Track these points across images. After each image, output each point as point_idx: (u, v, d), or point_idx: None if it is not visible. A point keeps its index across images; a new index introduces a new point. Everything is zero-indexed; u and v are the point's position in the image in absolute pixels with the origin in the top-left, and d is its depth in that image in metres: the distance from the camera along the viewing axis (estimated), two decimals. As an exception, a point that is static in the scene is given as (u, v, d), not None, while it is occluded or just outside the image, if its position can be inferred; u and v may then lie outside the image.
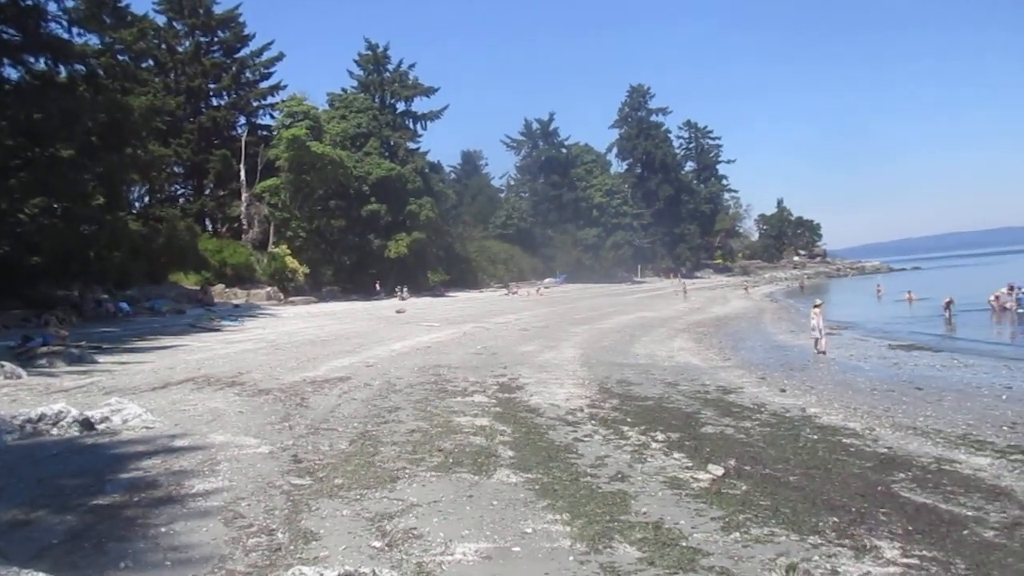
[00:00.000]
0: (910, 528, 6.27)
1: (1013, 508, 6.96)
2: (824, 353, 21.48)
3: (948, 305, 34.81)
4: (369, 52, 68.56)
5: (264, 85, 62.83)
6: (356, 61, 69.25)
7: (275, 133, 56.43)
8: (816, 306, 23.25)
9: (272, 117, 61.37)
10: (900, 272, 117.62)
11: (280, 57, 62.81)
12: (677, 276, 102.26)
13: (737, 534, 6.02)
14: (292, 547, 5.64)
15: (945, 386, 15.60)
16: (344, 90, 68.80)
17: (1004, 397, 14.15)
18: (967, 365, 19.17)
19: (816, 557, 5.57)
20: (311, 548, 5.64)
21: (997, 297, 36.89)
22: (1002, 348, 24.39)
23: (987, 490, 7.60)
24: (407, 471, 7.87)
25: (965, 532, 6.21)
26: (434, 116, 72.15)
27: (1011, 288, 36.62)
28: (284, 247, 50.77)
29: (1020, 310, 34.22)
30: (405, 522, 6.24)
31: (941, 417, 12.01)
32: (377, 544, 5.74)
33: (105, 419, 10.00)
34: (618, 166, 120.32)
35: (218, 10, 59.61)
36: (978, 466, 8.65)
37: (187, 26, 59.06)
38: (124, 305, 34.03)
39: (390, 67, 69.66)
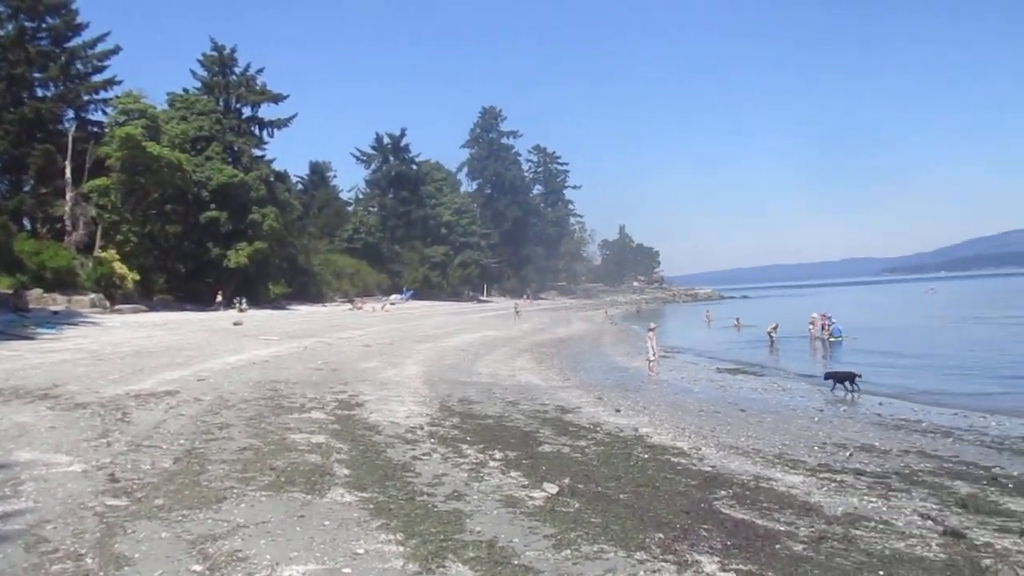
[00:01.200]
0: (729, 543, 6.59)
1: (820, 523, 7.48)
2: (655, 373, 22.46)
3: (773, 331, 37.51)
4: (215, 53, 65.71)
5: (97, 79, 58.66)
6: (200, 61, 66.15)
7: (107, 130, 52.91)
8: (651, 329, 24.37)
9: (105, 113, 57.38)
10: (730, 300, 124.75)
11: (116, 50, 58.84)
12: (528, 297, 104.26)
13: (568, 551, 6.13)
14: (102, 573, 5.26)
15: (765, 408, 16.66)
16: (186, 91, 65.59)
17: (816, 419, 15.26)
18: (785, 389, 20.55)
19: (641, 573, 5.75)
20: (122, 573, 5.28)
21: (813, 322, 39.92)
22: (817, 374, 26.29)
23: (799, 506, 8.13)
24: (235, 490, 7.53)
25: (778, 546, 6.59)
26: (282, 124, 69.99)
27: (824, 318, 39.66)
28: (112, 252, 47.54)
29: (831, 339, 37.14)
30: (230, 544, 5.95)
31: (761, 437, 12.80)
32: (197, 568, 5.44)
33: None
34: (468, 185, 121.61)
35: (48, -6, 55.37)
36: (792, 483, 9.24)
37: (10, 8, 54.47)
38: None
39: (237, 70, 67.11)
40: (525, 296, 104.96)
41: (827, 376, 21.00)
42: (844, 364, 27.50)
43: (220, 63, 66.01)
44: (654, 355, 23.30)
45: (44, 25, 56.36)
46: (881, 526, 7.45)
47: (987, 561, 6.22)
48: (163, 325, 34.69)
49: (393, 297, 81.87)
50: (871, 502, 8.45)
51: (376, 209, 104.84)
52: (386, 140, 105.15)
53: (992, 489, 9.37)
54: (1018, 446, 12.59)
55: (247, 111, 68.42)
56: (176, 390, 14.38)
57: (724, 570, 5.90)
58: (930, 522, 7.67)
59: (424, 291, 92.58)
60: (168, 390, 14.32)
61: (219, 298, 55.68)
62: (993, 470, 10.56)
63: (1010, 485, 9.59)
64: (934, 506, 8.41)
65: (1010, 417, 15.72)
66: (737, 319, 55.22)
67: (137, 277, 48.71)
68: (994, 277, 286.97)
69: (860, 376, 20.30)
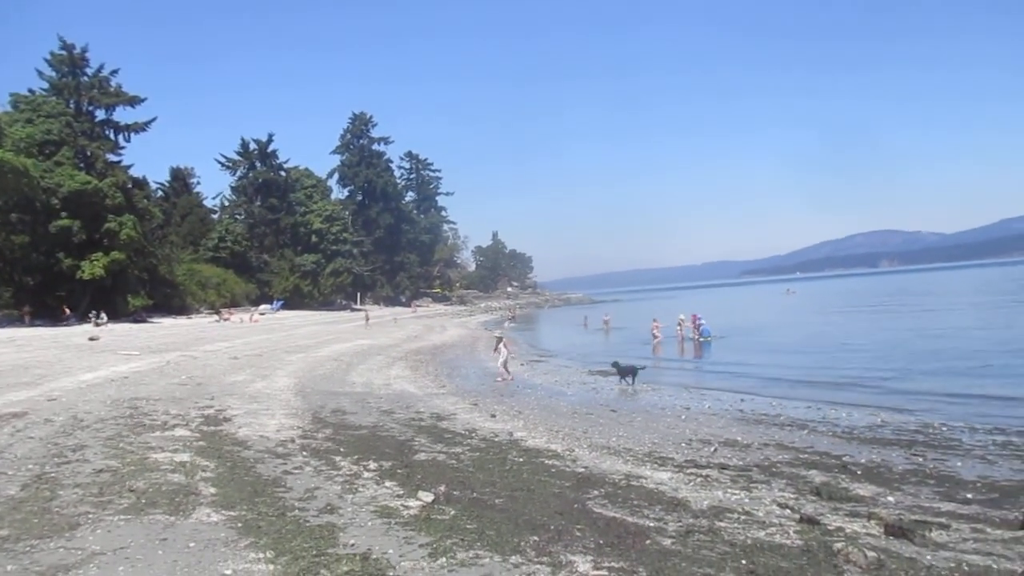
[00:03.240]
0: (601, 542, 6.74)
1: (687, 517, 7.76)
2: (511, 378, 22.88)
3: (656, 330, 39.30)
4: (64, 52, 61.94)
5: (-72, 78, 54.56)
6: (48, 61, 62.13)
7: (-58, 134, 49.05)
8: (499, 338, 25.09)
9: (-61, 115, 53.27)
10: (601, 303, 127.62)
11: (-50, 48, 54.90)
12: (415, 308, 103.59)
13: (444, 559, 6.09)
14: (-63, 614, 4.84)
15: (636, 408, 17.18)
16: (32, 91, 61.51)
17: (683, 417, 15.85)
18: (655, 389, 21.21)
19: (517, 576, 5.80)
20: (-38, 613, 4.88)
21: (681, 323, 41.46)
22: (685, 373, 27.32)
23: (667, 502, 8.40)
24: (91, 515, 7.09)
25: (648, 542, 6.79)
26: (139, 128, 66.73)
27: (695, 318, 41.17)
28: (-50, 265, 44.15)
29: (702, 339, 38.61)
30: (84, 574, 5.60)
31: (631, 436, 13.18)
32: (48, 601, 5.10)
33: None
34: (339, 192, 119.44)
35: None
36: (660, 480, 9.56)
37: None
38: None
39: (89, 71, 63.54)
40: (413, 305, 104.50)
41: (614, 365, 22.30)
42: (717, 362, 28.76)
43: (70, 63, 62.29)
44: (506, 360, 23.79)
45: None
46: (743, 517, 7.80)
47: (839, 544, 6.61)
48: (8, 342, 32.37)
49: (263, 307, 79.45)
50: (734, 494, 8.84)
51: (243, 217, 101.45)
52: (252, 146, 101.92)
53: (843, 477, 10.01)
54: (865, 435, 13.49)
55: (101, 114, 64.93)
56: (24, 411, 13.45)
57: (597, 568, 6.02)
58: (788, 511, 8.10)
59: (295, 301, 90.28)
60: (14, 412, 13.38)
61: (67, 312, 52.58)
62: (843, 459, 11.28)
63: (859, 472, 10.27)
64: (791, 495, 8.89)
65: (858, 408, 16.82)
66: (606, 319, 56.78)
67: (-22, 291, 45.31)
68: (844, 277, 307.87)
69: (643, 368, 22.15)
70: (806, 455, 11.63)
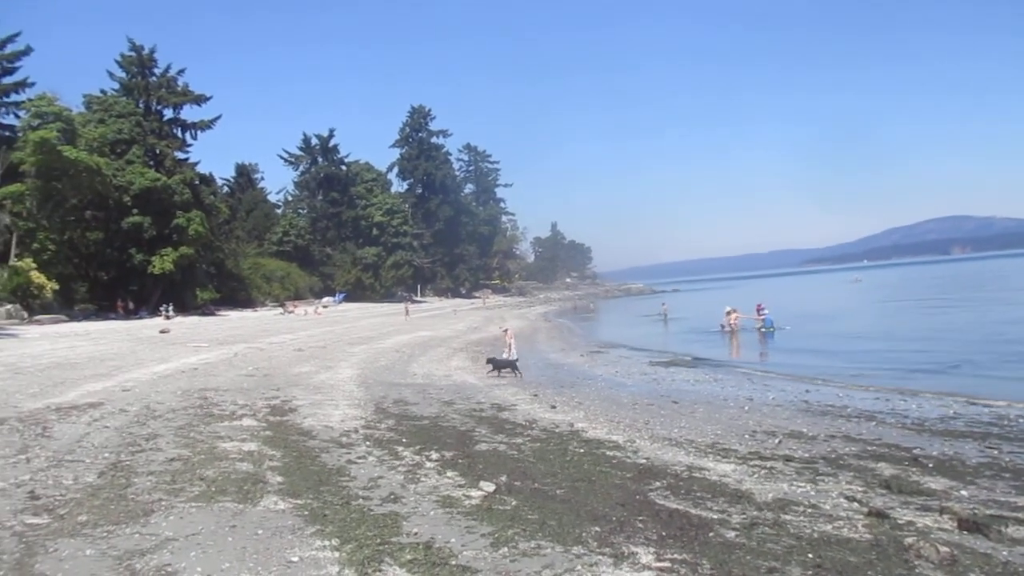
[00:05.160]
0: (664, 533, 6.69)
1: (752, 509, 7.64)
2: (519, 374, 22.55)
3: (733, 321, 38.33)
4: (133, 53, 63.86)
5: (7, 81, 56.49)
6: (118, 62, 64.13)
7: (20, 135, 50.86)
8: (506, 331, 24.99)
9: (17, 117, 55.18)
10: (661, 294, 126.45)
11: (27, 51, 56.53)
12: (485, 297, 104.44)
13: (506, 549, 6.13)
14: (22, 595, 5.05)
15: (697, 399, 16.96)
16: (104, 92, 63.54)
17: (746, 408, 15.60)
18: (716, 379, 20.95)
19: (579, 567, 5.79)
20: (45, 595, 5.08)
21: (728, 313, 40.19)
22: (745, 363, 26.89)
23: (731, 494, 8.29)
24: (163, 503, 7.32)
25: (711, 534, 6.72)
26: (205, 125, 68.42)
27: (759, 308, 40.35)
28: (29, 260, 45.75)
29: (764, 329, 37.69)
30: (158, 559, 5.79)
31: (693, 428, 13.02)
32: (124, 585, 5.28)
33: None
34: (399, 185, 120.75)
35: (-48, -5, 53.16)
36: (723, 472, 9.42)
37: (-87, 11, 52.04)
38: None
39: (157, 71, 65.36)
40: (483, 298, 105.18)
41: (488, 361, 22.06)
42: (781, 352, 28.32)
43: (139, 64, 64.24)
44: (512, 351, 23.44)
45: (-51, 27, 53.84)
46: (810, 510, 7.65)
47: (910, 539, 6.44)
48: (85, 335, 33.55)
49: (326, 300, 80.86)
50: (800, 487, 8.67)
51: (306, 211, 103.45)
52: (314, 141, 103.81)
53: (913, 470, 9.72)
54: (936, 427, 13.09)
55: (169, 113, 66.87)
56: (100, 402, 13.92)
57: (660, 560, 5.98)
58: (856, 504, 7.91)
59: (357, 293, 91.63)
60: (91, 402, 13.85)
61: (131, 305, 54.60)
62: (914, 451, 10.95)
63: (930, 465, 9.96)
64: (859, 488, 8.68)
65: (928, 399, 16.35)
66: (664, 307, 56.28)
67: (56, 286, 47.03)
68: (912, 265, 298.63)
69: (517, 360, 21.98)
70: (874, 447, 11.33)
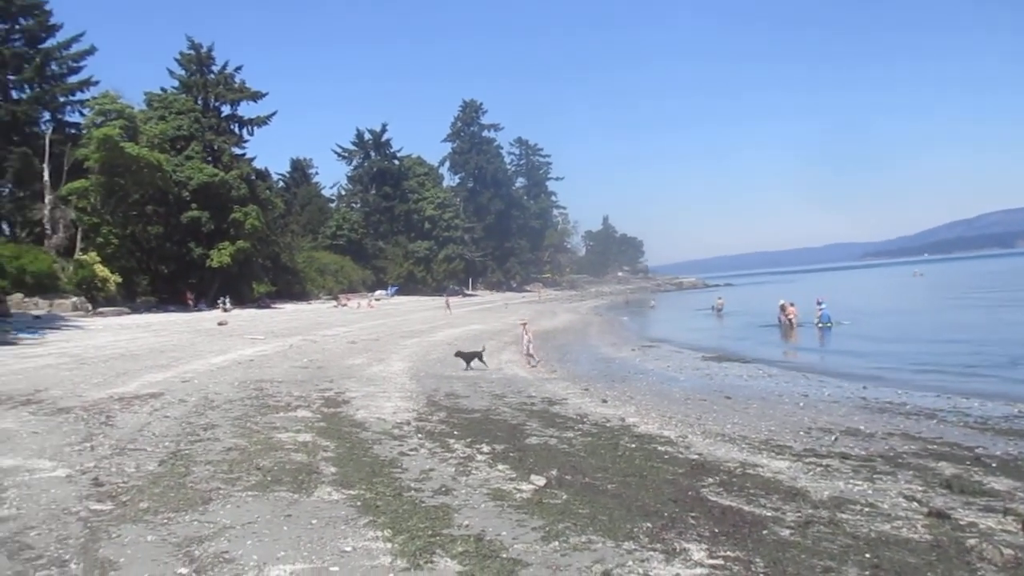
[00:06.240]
0: (716, 530, 6.62)
1: (807, 507, 7.51)
2: (538, 363, 22.37)
3: (791, 315, 37.73)
4: (192, 52, 65.31)
5: (72, 80, 58.05)
6: (178, 60, 65.74)
7: (84, 132, 52.32)
8: (523, 323, 24.85)
9: (81, 115, 56.71)
10: (715, 288, 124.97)
11: (91, 51, 58.10)
12: (538, 291, 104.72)
13: (556, 543, 6.13)
14: (87, 579, 5.21)
15: (751, 395, 16.72)
16: (164, 90, 65.12)
17: (801, 404, 15.33)
18: (770, 375, 20.63)
19: (630, 562, 5.75)
20: (109, 579, 5.23)
21: (783, 307, 39.35)
22: (803, 359, 26.44)
23: (785, 491, 8.16)
24: (221, 491, 7.48)
25: (765, 532, 6.62)
26: (261, 121, 69.68)
27: (818, 302, 39.41)
28: (93, 254, 47.13)
29: (821, 324, 36.73)
30: (216, 546, 5.92)
31: (747, 424, 12.85)
32: (183, 571, 5.41)
33: None
34: (450, 179, 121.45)
35: (20, -4, 54.56)
36: (778, 469, 9.28)
37: (-19, 11, 53.69)
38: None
39: (214, 68, 66.73)
40: (539, 291, 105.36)
41: (456, 355, 21.58)
42: (838, 348, 27.82)
43: (198, 62, 65.69)
44: (530, 345, 23.30)
45: (18, 26, 55.58)
46: (867, 509, 7.49)
47: (972, 541, 6.27)
48: (147, 327, 34.48)
49: (378, 293, 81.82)
50: (857, 485, 8.49)
51: (359, 205, 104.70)
52: (367, 136, 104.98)
53: (976, 469, 9.44)
54: (1000, 426, 12.70)
55: (226, 109, 68.29)
56: (160, 392, 14.30)
57: (712, 557, 5.92)
58: (915, 504, 7.72)
59: (409, 286, 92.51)
60: (152, 392, 14.23)
61: (189, 298, 55.83)
62: (976, 451, 10.64)
63: (993, 465, 9.68)
64: (919, 488, 8.47)
65: (992, 399, 15.85)
66: (719, 301, 55.43)
67: (119, 279, 48.36)
68: (976, 259, 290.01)
69: (484, 350, 21.89)
70: (935, 446, 11.04)
